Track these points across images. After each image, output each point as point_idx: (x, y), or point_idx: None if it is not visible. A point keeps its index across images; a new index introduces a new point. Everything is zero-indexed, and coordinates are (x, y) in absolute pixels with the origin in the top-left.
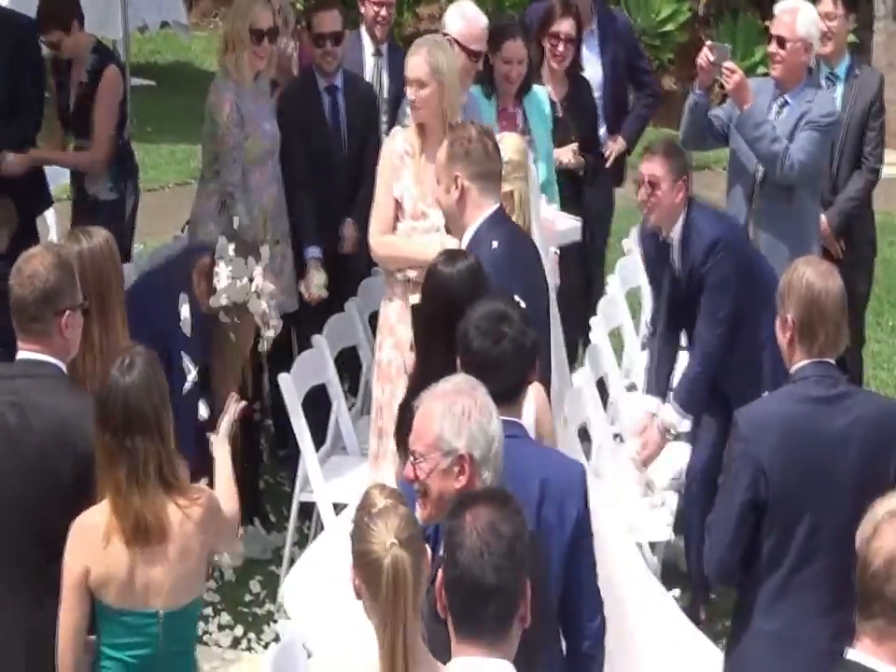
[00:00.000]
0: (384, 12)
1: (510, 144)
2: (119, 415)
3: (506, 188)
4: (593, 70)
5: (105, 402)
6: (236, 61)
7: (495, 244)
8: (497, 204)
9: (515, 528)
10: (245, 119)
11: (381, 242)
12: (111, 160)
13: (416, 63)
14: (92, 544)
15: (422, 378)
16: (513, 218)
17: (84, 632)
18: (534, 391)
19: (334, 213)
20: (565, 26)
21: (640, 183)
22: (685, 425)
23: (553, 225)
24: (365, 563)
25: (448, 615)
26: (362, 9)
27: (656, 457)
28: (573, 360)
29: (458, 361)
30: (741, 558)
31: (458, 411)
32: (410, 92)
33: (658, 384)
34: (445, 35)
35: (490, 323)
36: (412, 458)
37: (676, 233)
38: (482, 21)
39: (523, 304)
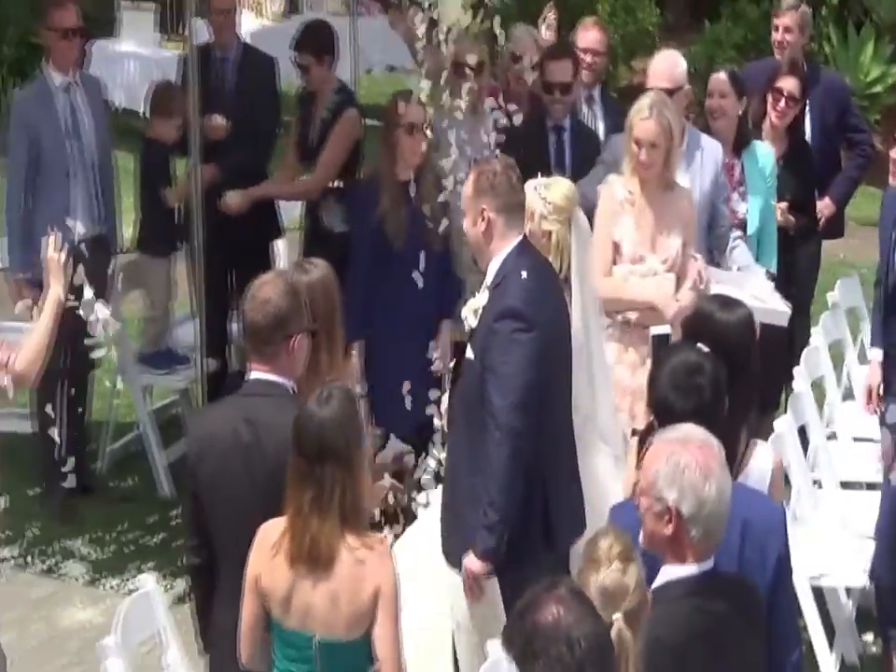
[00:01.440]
0: (588, 59)
1: (559, 190)
2: (312, 445)
3: (545, 227)
4: None
5: (301, 430)
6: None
7: (524, 273)
8: (522, 236)
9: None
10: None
11: (602, 284)
12: (324, 190)
13: (649, 127)
14: (265, 553)
15: None
16: (549, 259)
17: (258, 630)
18: (772, 454)
19: None
20: (788, 84)
21: None
22: None
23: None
24: None
25: None
26: None
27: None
28: (776, 407)
29: (655, 422)
30: None
31: (676, 462)
32: (642, 153)
33: (883, 335)
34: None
35: (684, 378)
36: (639, 486)
37: None
38: (669, 59)
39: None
